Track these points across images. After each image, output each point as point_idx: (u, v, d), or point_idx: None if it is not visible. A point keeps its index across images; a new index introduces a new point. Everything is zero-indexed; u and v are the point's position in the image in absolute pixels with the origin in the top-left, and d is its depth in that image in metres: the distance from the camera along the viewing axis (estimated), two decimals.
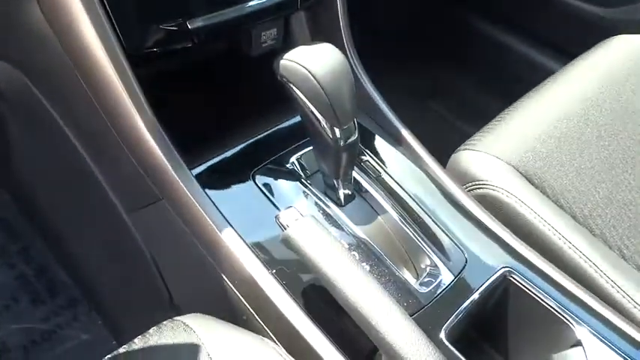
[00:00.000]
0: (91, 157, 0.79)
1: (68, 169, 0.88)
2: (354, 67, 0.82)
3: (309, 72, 0.61)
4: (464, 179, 0.86)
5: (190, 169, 0.69)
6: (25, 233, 1.26)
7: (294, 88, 0.63)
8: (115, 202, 0.80)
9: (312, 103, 0.62)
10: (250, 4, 0.72)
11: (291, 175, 0.75)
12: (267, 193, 0.70)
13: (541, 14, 1.48)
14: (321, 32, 0.86)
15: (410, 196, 0.74)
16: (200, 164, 0.72)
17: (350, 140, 0.65)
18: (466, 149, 0.90)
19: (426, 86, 1.71)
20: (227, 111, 0.82)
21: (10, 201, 1.27)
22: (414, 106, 1.68)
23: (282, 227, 0.59)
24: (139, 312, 1.10)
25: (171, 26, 0.66)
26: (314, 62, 0.62)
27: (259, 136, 0.78)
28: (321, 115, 0.62)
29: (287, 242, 0.58)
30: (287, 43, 0.87)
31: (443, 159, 0.89)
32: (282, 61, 0.63)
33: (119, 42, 0.63)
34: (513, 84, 1.30)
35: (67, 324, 1.17)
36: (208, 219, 0.63)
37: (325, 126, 0.63)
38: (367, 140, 0.80)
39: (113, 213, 0.84)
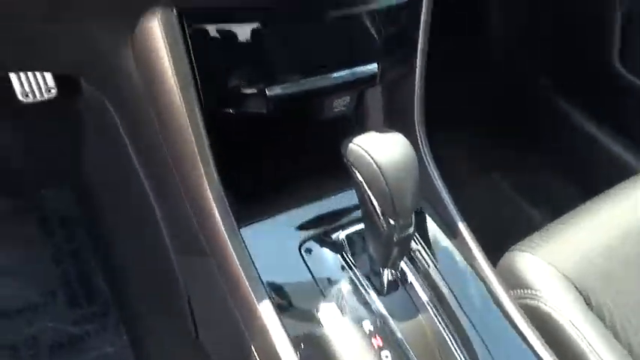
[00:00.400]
0: (154, 192, 0.82)
1: (131, 192, 0.91)
2: (422, 153, 0.81)
3: (374, 162, 0.61)
4: (515, 283, 0.82)
5: (240, 227, 0.69)
6: (81, 235, 1.32)
7: (357, 174, 0.63)
8: (167, 240, 0.82)
9: (373, 193, 0.62)
10: (330, 76, 0.73)
11: (338, 251, 0.74)
12: (311, 268, 0.69)
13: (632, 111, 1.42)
14: (395, 108, 0.86)
15: (455, 298, 0.72)
16: (250, 223, 0.72)
17: (404, 234, 0.64)
18: (522, 250, 0.86)
19: (494, 159, 1.68)
20: (285, 169, 0.83)
21: (76, 201, 1.33)
22: (480, 178, 1.65)
23: None
24: (164, 336, 1.12)
25: (251, 92, 0.67)
26: (382, 153, 0.61)
27: (314, 203, 0.78)
28: (380, 207, 0.61)
29: None
30: (358, 111, 0.88)
31: (499, 243, 0.86)
32: (350, 145, 0.63)
33: (198, 98, 0.65)
34: (591, 176, 1.26)
35: (96, 332, 1.20)
36: (249, 288, 0.63)
37: (382, 217, 0.62)
38: (422, 229, 0.78)
39: (163, 247, 0.86)
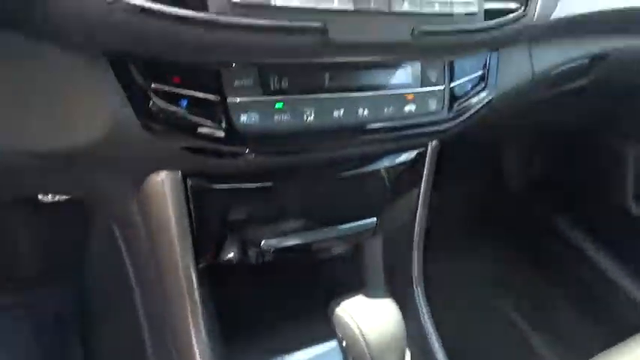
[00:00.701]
0: (146, 324, 0.82)
1: (125, 320, 0.91)
2: (419, 312, 0.80)
3: (360, 332, 0.60)
4: None
5: None
6: (70, 334, 1.30)
7: (342, 340, 0.62)
8: None
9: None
10: (327, 229, 0.74)
11: None
12: None
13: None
14: (394, 258, 0.86)
15: None
16: None
17: None
18: None
19: (496, 279, 1.64)
20: (274, 313, 0.82)
21: (71, 301, 1.33)
22: (479, 300, 1.60)
23: None
24: None
25: (246, 245, 0.68)
26: (367, 324, 0.61)
27: (301, 350, 0.77)
28: None
29: None
30: (356, 255, 0.88)
31: None
32: (336, 310, 0.63)
33: (194, 253, 0.66)
34: (600, 306, 1.21)
35: None
36: None
37: None
38: None
39: None
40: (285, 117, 0.61)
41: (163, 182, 0.62)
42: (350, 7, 0.56)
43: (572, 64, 0.89)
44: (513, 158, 1.70)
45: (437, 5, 0.62)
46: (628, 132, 1.39)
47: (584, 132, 1.45)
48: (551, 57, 0.86)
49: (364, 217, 0.77)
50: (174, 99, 0.55)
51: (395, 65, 0.68)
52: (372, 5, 0.57)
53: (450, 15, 0.63)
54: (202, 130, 0.57)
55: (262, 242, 0.69)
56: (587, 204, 1.55)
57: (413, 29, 0.60)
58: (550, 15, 0.76)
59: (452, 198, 1.54)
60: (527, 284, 1.62)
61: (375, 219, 0.77)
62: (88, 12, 0.47)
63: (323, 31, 0.56)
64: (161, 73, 0.54)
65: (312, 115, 0.62)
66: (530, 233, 1.67)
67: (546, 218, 1.63)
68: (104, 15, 0.47)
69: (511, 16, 0.69)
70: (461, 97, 0.74)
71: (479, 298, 1.60)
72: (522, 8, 0.70)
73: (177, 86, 0.55)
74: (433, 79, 0.71)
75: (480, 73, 0.77)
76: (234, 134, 0.58)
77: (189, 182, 0.63)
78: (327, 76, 0.63)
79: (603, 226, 1.51)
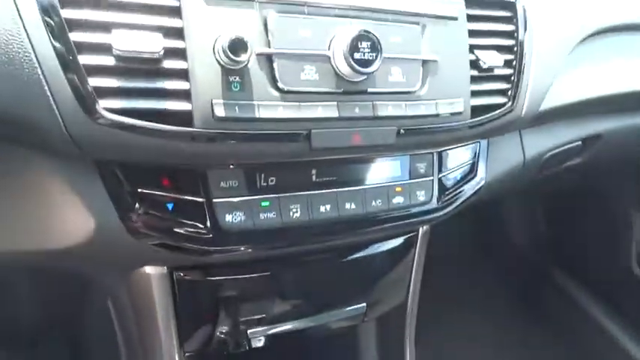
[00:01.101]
0: None
1: None
2: None
3: None
4: None
5: None
6: None
7: None
8: None
9: None
10: (315, 318, 0.74)
11: None
12: None
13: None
14: (385, 344, 0.85)
15: None
16: None
17: None
18: None
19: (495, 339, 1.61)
20: None
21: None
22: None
23: None
24: None
25: (232, 334, 0.68)
26: None
27: None
28: None
29: None
30: (347, 340, 0.87)
31: None
32: None
33: (179, 342, 0.66)
34: None
35: None
36: None
37: None
38: None
39: None
40: (271, 214, 0.61)
41: (150, 276, 0.63)
42: (334, 114, 0.58)
43: (565, 147, 0.90)
44: (515, 210, 1.69)
45: (422, 107, 0.63)
46: (630, 194, 1.38)
47: (586, 193, 1.45)
48: (543, 142, 0.86)
49: (353, 303, 0.77)
50: (160, 203, 0.56)
51: (382, 159, 0.69)
52: (357, 112, 0.59)
53: (436, 115, 0.64)
54: (187, 231, 0.58)
55: (249, 331, 0.69)
56: (588, 260, 1.53)
57: (398, 131, 0.62)
58: (539, 106, 0.77)
59: (449, 242, 1.53)
60: (526, 344, 1.59)
61: (364, 304, 0.77)
62: (76, 129, 0.49)
63: (307, 137, 0.57)
64: (147, 177, 0.56)
65: (299, 211, 0.63)
66: (529, 286, 1.65)
67: (545, 271, 1.62)
68: (90, 131, 0.49)
69: (498, 112, 0.70)
70: (451, 186, 0.75)
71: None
72: (510, 103, 0.72)
73: (164, 190, 0.56)
74: (422, 171, 0.72)
75: (469, 161, 0.78)
76: (219, 234, 0.59)
77: (174, 275, 0.64)
78: (313, 172, 0.65)
79: (605, 284, 1.49)
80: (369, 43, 0.57)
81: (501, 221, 1.73)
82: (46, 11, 0.47)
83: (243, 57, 0.51)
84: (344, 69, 0.57)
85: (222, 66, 0.52)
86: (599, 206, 1.48)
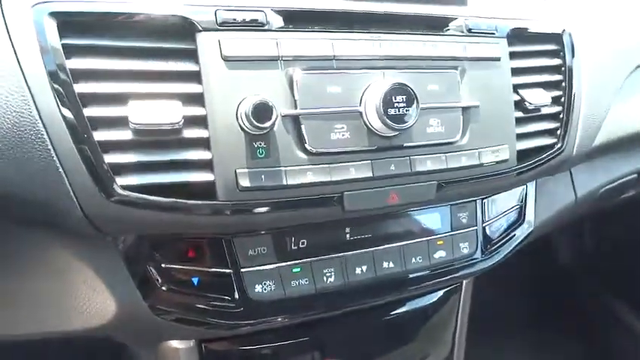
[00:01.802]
0: None
1: None
2: None
3: None
4: None
5: None
6: None
7: None
8: None
9: None
10: None
11: None
12: None
13: None
14: None
15: None
16: None
17: None
18: None
19: None
20: None
21: None
22: None
23: None
24: None
25: None
26: None
27: None
28: None
29: None
30: None
31: None
32: None
33: None
34: None
35: None
36: None
37: None
38: None
39: None
40: (303, 281, 0.57)
41: (177, 350, 0.60)
42: (368, 174, 0.53)
43: (620, 181, 0.83)
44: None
45: (464, 158, 0.58)
46: None
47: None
48: (596, 178, 0.80)
49: None
50: (184, 278, 0.53)
51: (421, 210, 0.64)
52: (393, 169, 0.54)
53: (479, 165, 0.59)
54: (214, 305, 0.54)
55: None
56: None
57: (439, 185, 0.57)
58: (591, 144, 0.70)
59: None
60: None
61: None
62: (92, 209, 0.46)
63: (340, 200, 0.53)
64: (170, 250, 0.53)
65: (333, 275, 0.59)
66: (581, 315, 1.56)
67: (596, 296, 1.52)
68: (107, 210, 0.46)
69: (547, 154, 0.65)
70: (496, 235, 0.69)
71: None
72: (559, 144, 0.66)
73: (188, 262, 0.53)
74: (464, 220, 0.67)
75: (516, 206, 0.72)
76: (249, 306, 0.55)
77: (203, 347, 0.60)
78: (347, 230, 0.60)
79: None
80: (403, 97, 0.52)
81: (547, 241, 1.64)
82: (58, 87, 0.45)
83: (268, 123, 0.47)
84: (377, 125, 0.52)
85: (245, 132, 0.48)
86: None
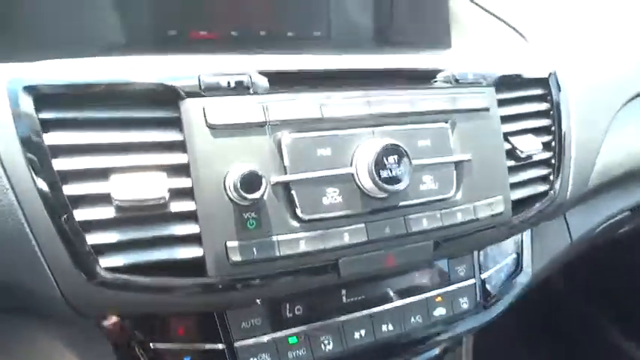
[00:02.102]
0: None
1: None
2: None
3: None
4: None
5: None
6: None
7: None
8: None
9: None
10: None
11: None
12: None
13: None
14: None
15: None
16: None
17: None
18: None
19: None
20: None
21: None
22: None
23: None
24: None
25: None
26: None
27: None
28: None
29: None
30: None
31: None
32: None
33: None
34: None
35: None
36: None
37: None
38: None
39: None
40: (300, 352, 0.54)
41: None
42: (363, 238, 0.51)
43: (614, 219, 0.82)
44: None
45: (459, 214, 0.56)
46: None
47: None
48: (590, 219, 0.79)
49: None
50: (174, 358, 0.50)
51: (418, 267, 0.62)
52: (388, 231, 0.52)
53: (475, 220, 0.57)
54: None
55: None
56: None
57: (435, 243, 0.55)
58: (586, 185, 0.70)
59: None
60: None
61: None
62: (73, 292, 0.43)
63: (335, 267, 0.51)
64: (158, 329, 0.50)
65: (331, 343, 0.56)
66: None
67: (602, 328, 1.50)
68: (89, 293, 0.43)
69: (541, 203, 0.63)
70: (495, 287, 0.67)
71: None
72: (552, 191, 0.65)
73: (178, 340, 0.50)
74: (462, 273, 0.65)
75: (513, 256, 0.70)
76: None
77: None
78: (343, 293, 0.58)
79: None
80: (395, 157, 0.50)
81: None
82: (35, 163, 0.42)
83: (257, 194, 0.45)
84: (370, 187, 0.50)
85: (235, 203, 0.46)
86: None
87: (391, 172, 0.50)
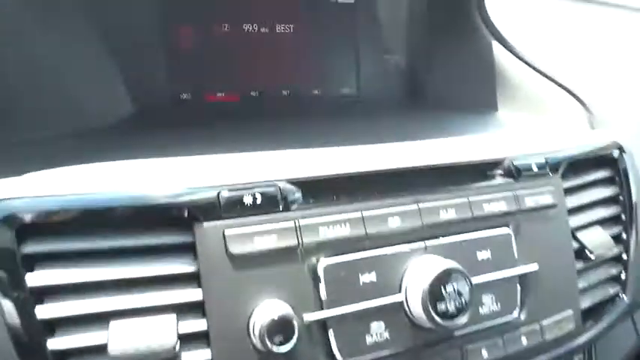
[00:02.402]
0: None
1: None
2: None
3: None
4: None
5: None
6: None
7: None
8: None
9: None
10: None
11: None
12: None
13: None
14: None
15: None
16: None
17: None
18: None
19: None
20: None
21: None
22: None
23: None
24: None
25: None
26: None
27: None
28: None
29: None
30: None
31: None
32: None
33: None
34: None
35: None
36: None
37: None
38: None
39: None
40: None
41: None
42: None
43: None
44: None
45: (524, 338, 0.47)
46: None
47: None
48: None
49: None
50: None
51: None
52: None
53: (543, 342, 0.48)
54: None
55: None
56: None
57: None
58: None
59: None
60: None
61: None
62: None
63: None
64: None
65: None
66: None
67: None
68: None
69: (612, 314, 0.54)
70: None
71: None
72: (625, 293, 0.55)
73: None
74: None
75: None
76: None
77: None
78: None
79: None
80: (454, 285, 0.41)
81: None
82: (13, 309, 0.34)
83: (289, 345, 0.37)
84: (423, 320, 0.41)
85: (259, 351, 0.38)
86: None
87: (450, 303, 0.41)
